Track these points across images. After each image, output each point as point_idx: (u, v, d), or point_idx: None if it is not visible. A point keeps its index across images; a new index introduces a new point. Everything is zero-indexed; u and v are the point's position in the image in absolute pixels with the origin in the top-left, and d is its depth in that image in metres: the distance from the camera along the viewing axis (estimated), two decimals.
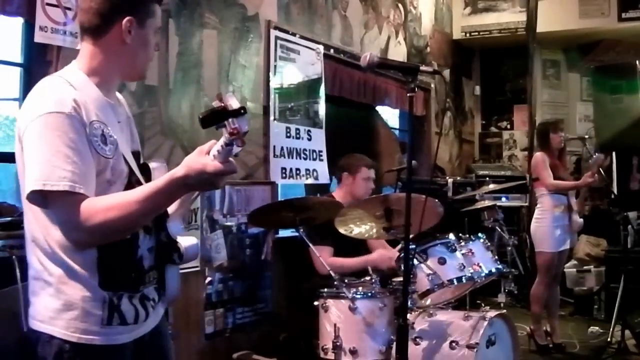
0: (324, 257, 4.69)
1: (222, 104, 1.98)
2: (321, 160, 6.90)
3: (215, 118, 2.00)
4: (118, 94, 2.57)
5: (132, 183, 2.35)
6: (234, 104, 1.98)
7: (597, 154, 6.67)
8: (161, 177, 2.18)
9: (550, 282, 6.84)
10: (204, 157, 2.10)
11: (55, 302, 2.23)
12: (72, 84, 2.27)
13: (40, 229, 2.24)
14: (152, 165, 2.53)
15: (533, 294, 6.85)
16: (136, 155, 2.49)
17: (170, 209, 2.49)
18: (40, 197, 2.13)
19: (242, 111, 1.99)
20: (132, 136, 2.57)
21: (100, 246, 2.23)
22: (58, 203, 2.13)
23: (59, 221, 2.17)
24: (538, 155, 6.85)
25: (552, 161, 6.73)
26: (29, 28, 4.25)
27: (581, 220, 6.89)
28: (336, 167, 5.86)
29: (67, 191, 2.09)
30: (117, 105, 2.49)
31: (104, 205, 2.13)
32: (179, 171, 2.11)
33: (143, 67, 2.49)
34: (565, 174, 6.84)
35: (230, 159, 2.10)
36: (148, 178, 2.43)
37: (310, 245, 4.66)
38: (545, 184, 6.70)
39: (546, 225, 6.72)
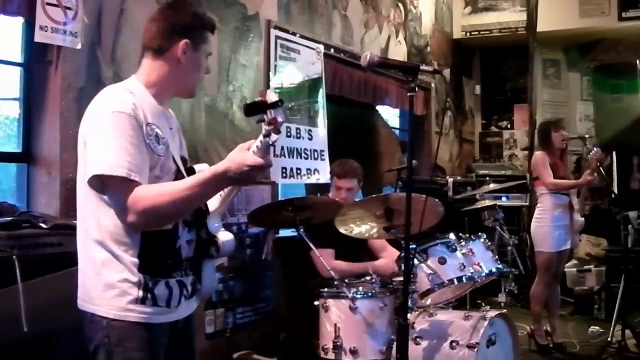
0: (326, 261, 4.68)
1: (264, 98, 2.30)
2: (323, 159, 6.89)
3: (256, 109, 2.33)
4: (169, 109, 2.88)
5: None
6: (272, 97, 2.29)
7: (595, 149, 6.65)
8: (205, 170, 2.49)
9: (550, 281, 6.84)
10: (245, 152, 2.40)
11: (97, 284, 2.50)
12: (132, 92, 2.57)
13: (91, 218, 2.52)
14: (197, 167, 2.78)
15: (533, 293, 6.85)
16: (183, 160, 2.79)
17: (212, 207, 2.79)
18: (100, 183, 2.44)
19: (280, 103, 2.29)
20: (181, 143, 2.88)
21: (144, 235, 2.50)
22: (115, 188, 2.42)
23: (114, 205, 2.45)
24: (538, 154, 6.85)
25: (553, 160, 6.72)
26: (29, 27, 4.25)
27: (582, 219, 6.88)
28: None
29: (124, 177, 2.38)
30: (170, 115, 2.83)
31: (154, 191, 2.43)
32: (221, 165, 2.40)
33: (193, 86, 2.82)
34: (566, 173, 6.82)
35: (267, 155, 2.38)
36: None
37: (312, 247, 4.65)
38: (545, 183, 6.69)
39: (546, 225, 6.72)
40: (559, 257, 6.79)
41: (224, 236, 2.77)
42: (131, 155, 2.41)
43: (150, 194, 2.41)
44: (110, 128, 2.43)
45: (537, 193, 6.96)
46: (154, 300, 2.54)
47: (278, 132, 2.31)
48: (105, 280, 2.49)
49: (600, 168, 6.59)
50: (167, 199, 2.40)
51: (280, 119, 2.28)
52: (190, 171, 2.75)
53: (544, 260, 6.74)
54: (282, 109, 2.30)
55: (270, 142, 2.33)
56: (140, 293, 2.50)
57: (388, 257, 5.34)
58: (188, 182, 2.47)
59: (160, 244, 2.56)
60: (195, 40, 2.69)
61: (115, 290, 2.48)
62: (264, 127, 2.31)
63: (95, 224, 2.51)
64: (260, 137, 2.34)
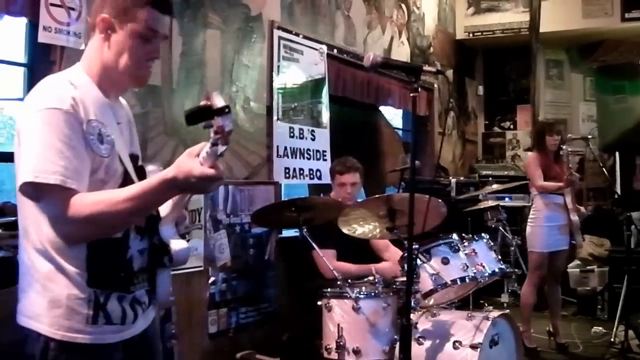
0: (329, 261, 4.69)
1: (208, 102, 1.99)
2: (325, 160, 6.90)
3: (200, 115, 2.00)
4: (121, 99, 2.58)
5: (126, 184, 2.34)
6: (218, 102, 1.98)
7: (564, 147, 6.70)
8: (151, 178, 2.19)
9: (548, 282, 6.86)
10: (193, 160, 2.09)
11: (41, 299, 2.23)
12: (72, 83, 2.28)
13: (32, 225, 2.25)
14: (149, 168, 2.53)
15: (522, 294, 6.86)
16: (134, 158, 2.48)
17: (163, 213, 2.48)
18: (32, 190, 2.14)
19: (227, 110, 1.98)
20: (132, 139, 2.56)
21: (90, 244, 2.23)
22: (48, 196, 2.13)
23: (48, 214, 2.17)
24: (530, 155, 6.94)
25: (546, 162, 6.74)
26: (33, 28, 4.26)
27: (576, 218, 6.85)
28: None
29: (58, 185, 2.09)
30: (119, 107, 2.50)
31: (92, 200, 2.13)
32: (169, 172, 2.10)
33: (129, 74, 2.39)
34: (560, 175, 6.78)
35: (219, 164, 2.09)
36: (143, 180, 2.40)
37: (315, 247, 4.66)
38: (535, 185, 6.77)
39: (538, 225, 6.75)
40: (552, 258, 6.78)
41: (178, 244, 2.47)
42: (66, 158, 2.12)
43: (88, 203, 2.12)
44: (44, 127, 2.14)
45: (531, 194, 6.98)
46: (107, 318, 2.29)
47: (227, 142, 2.01)
48: (51, 296, 2.22)
49: (603, 168, 6.59)
50: (106, 209, 2.12)
51: (227, 129, 1.99)
52: (140, 171, 2.49)
53: (534, 260, 6.78)
54: (229, 117, 1.99)
55: (218, 153, 2.03)
56: (91, 312, 2.25)
57: (391, 257, 5.34)
58: (131, 191, 2.16)
59: (109, 254, 2.29)
60: (119, 15, 2.32)
61: (62, 308, 2.21)
62: (211, 135, 2.01)
63: (36, 231, 2.24)
64: (208, 145, 2.04)
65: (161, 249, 2.45)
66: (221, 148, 2.02)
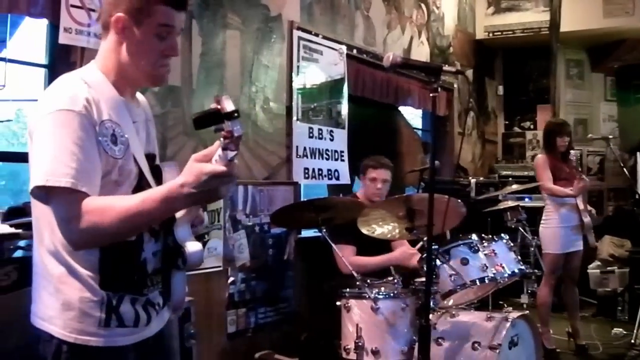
0: (346, 256, 4.69)
1: (218, 106, 1.95)
2: (342, 160, 6.90)
3: (209, 120, 1.98)
4: (140, 95, 2.55)
5: (141, 185, 2.32)
6: (228, 106, 1.94)
7: (572, 152, 6.66)
8: (162, 186, 2.17)
9: (562, 282, 6.84)
10: (201, 162, 2.08)
11: (54, 302, 2.23)
12: (87, 82, 2.26)
13: (45, 227, 2.24)
14: (165, 166, 2.50)
15: (538, 295, 6.82)
16: (150, 157, 2.46)
17: (178, 214, 2.39)
18: (43, 193, 2.12)
19: (235, 114, 1.95)
20: (149, 138, 2.53)
21: (103, 247, 2.22)
22: (58, 199, 2.10)
23: (57, 217, 2.12)
24: (539, 157, 6.87)
25: (555, 163, 6.70)
26: (54, 29, 4.29)
27: (588, 219, 6.80)
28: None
29: (69, 188, 2.06)
30: (135, 105, 2.46)
31: (100, 207, 2.10)
32: (177, 179, 2.08)
33: (147, 72, 2.37)
34: (569, 173, 6.73)
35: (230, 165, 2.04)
36: (159, 181, 2.41)
37: (333, 244, 4.66)
38: (543, 188, 6.75)
39: (552, 227, 6.70)
40: (568, 259, 6.74)
41: (192, 246, 2.39)
42: (78, 161, 2.09)
43: (96, 210, 2.08)
44: (56, 129, 2.12)
45: (544, 195, 6.93)
46: (119, 321, 2.28)
47: (236, 148, 1.98)
48: (64, 299, 2.21)
49: (624, 169, 6.55)
50: (114, 219, 2.07)
51: (236, 134, 1.95)
52: (156, 170, 2.45)
53: (550, 262, 6.73)
54: (238, 121, 1.95)
55: (229, 158, 2.00)
56: (103, 315, 2.24)
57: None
58: (140, 199, 2.11)
59: (122, 257, 2.28)
60: (134, 14, 2.28)
61: (75, 311, 2.21)
62: (221, 139, 1.98)
63: (49, 233, 2.22)
64: (219, 150, 2.01)
65: (175, 251, 2.39)
66: (230, 153, 1.99)
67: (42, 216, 2.24)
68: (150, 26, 2.30)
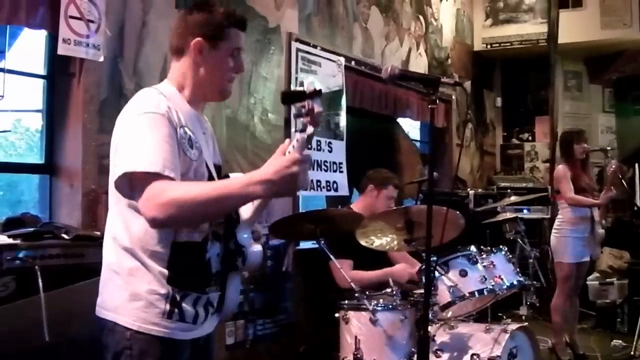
0: (345, 271, 4.68)
1: (302, 88, 2.25)
2: (341, 172, 6.90)
3: (294, 97, 2.27)
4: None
5: None
6: (311, 87, 2.25)
7: (612, 161, 6.61)
8: (242, 174, 2.43)
9: (571, 293, 6.79)
10: (279, 156, 2.30)
11: (123, 293, 2.42)
12: (164, 95, 2.49)
13: (121, 224, 2.44)
14: (232, 176, 2.66)
15: (553, 306, 6.78)
16: (218, 168, 2.68)
17: (244, 216, 2.66)
18: (127, 183, 2.34)
19: (319, 94, 2.25)
20: (215, 150, 2.76)
21: (173, 246, 2.42)
22: (145, 183, 2.27)
23: (143, 199, 2.28)
24: (560, 168, 6.79)
25: (575, 172, 6.66)
26: (52, 40, 4.30)
27: (602, 231, 6.82)
28: (364, 177, 5.75)
29: (158, 173, 2.26)
30: (204, 120, 2.73)
31: (183, 185, 2.31)
32: (259, 170, 2.28)
33: (221, 87, 2.63)
34: (589, 184, 6.74)
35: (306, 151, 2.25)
36: None
37: (332, 258, 4.65)
38: (565, 197, 6.64)
39: (566, 236, 6.66)
40: (578, 269, 6.73)
41: (253, 247, 2.65)
42: (168, 153, 2.31)
43: (178, 187, 2.28)
44: (146, 128, 2.34)
45: (558, 205, 6.90)
46: (180, 315, 2.45)
47: (316, 124, 2.24)
48: (132, 290, 2.40)
49: (622, 180, 6.54)
50: (195, 197, 2.25)
51: (317, 109, 2.23)
52: (225, 178, 2.65)
53: (565, 271, 6.68)
54: (319, 99, 2.25)
55: (307, 134, 2.23)
56: (168, 307, 2.42)
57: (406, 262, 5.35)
58: (221, 182, 2.44)
59: (190, 256, 2.47)
60: (210, 39, 2.56)
61: (142, 301, 2.39)
62: (300, 121, 2.24)
63: (125, 230, 2.43)
64: (297, 135, 2.25)
65: (236, 252, 2.62)
66: (310, 129, 2.23)
67: (119, 213, 2.46)
68: (225, 49, 2.59)
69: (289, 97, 2.31)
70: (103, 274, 2.52)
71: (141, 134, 2.33)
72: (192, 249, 2.47)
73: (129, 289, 2.41)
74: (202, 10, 2.60)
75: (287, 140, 2.32)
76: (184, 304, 2.46)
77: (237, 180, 2.32)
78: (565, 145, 6.86)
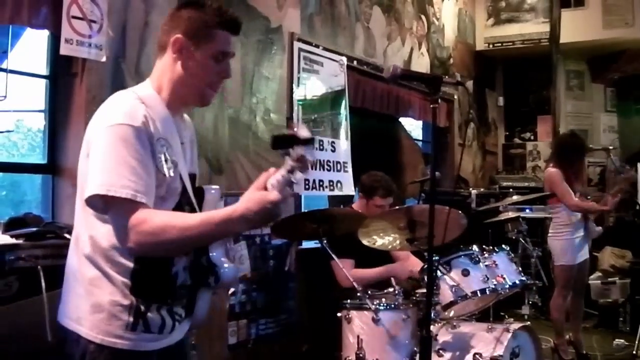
0: (346, 270, 4.68)
1: (293, 132, 2.10)
2: (346, 171, 6.90)
3: (285, 142, 2.11)
4: (186, 117, 2.68)
5: (182, 202, 2.44)
6: (304, 133, 2.10)
7: (626, 168, 6.56)
8: (221, 209, 2.24)
9: (573, 294, 6.77)
10: (262, 191, 2.15)
11: (84, 303, 2.31)
12: (143, 100, 2.36)
13: (86, 232, 2.33)
14: (208, 190, 2.61)
15: (553, 306, 6.74)
16: (192, 177, 2.57)
17: None
18: (101, 202, 2.23)
19: (312, 142, 2.11)
20: (192, 158, 2.67)
21: (137, 259, 2.30)
22: (119, 209, 2.20)
23: (118, 225, 2.23)
24: (554, 172, 6.56)
25: (567, 176, 6.52)
26: (55, 40, 4.30)
27: (599, 228, 6.77)
28: (359, 181, 5.76)
29: (129, 199, 2.17)
30: (183, 126, 2.59)
31: (162, 221, 2.20)
32: (239, 206, 2.16)
33: (199, 91, 2.49)
34: (582, 186, 6.68)
35: (288, 189, 2.15)
36: (200, 200, 2.53)
37: (334, 257, 4.65)
38: (568, 204, 6.47)
39: (565, 239, 6.58)
40: (579, 268, 6.70)
41: (226, 266, 2.54)
42: (138, 174, 2.20)
43: (157, 223, 2.19)
44: (116, 142, 2.21)
45: (552, 209, 6.79)
46: (145, 326, 2.35)
47: (306, 171, 2.12)
48: (94, 301, 2.29)
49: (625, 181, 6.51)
50: (175, 234, 2.18)
51: (310, 158, 2.10)
52: (199, 192, 2.56)
53: (565, 273, 6.62)
54: (312, 148, 2.13)
55: (293, 180, 2.12)
56: (131, 319, 2.31)
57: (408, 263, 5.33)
58: (200, 220, 2.22)
59: (156, 268, 2.35)
60: (194, 38, 2.41)
61: (104, 313, 2.29)
62: (289, 163, 2.10)
63: (88, 238, 2.32)
64: (283, 172, 2.12)
65: (208, 270, 2.51)
66: (298, 175, 2.11)
67: (85, 222, 2.34)
68: (208, 50, 2.43)
69: (280, 142, 2.14)
70: (65, 280, 2.43)
71: (113, 150, 2.22)
72: (158, 262, 2.37)
73: (90, 300, 2.31)
74: (193, 6, 2.46)
75: (272, 169, 2.18)
76: (149, 314, 2.36)
77: (218, 216, 2.19)
78: (562, 149, 6.76)
